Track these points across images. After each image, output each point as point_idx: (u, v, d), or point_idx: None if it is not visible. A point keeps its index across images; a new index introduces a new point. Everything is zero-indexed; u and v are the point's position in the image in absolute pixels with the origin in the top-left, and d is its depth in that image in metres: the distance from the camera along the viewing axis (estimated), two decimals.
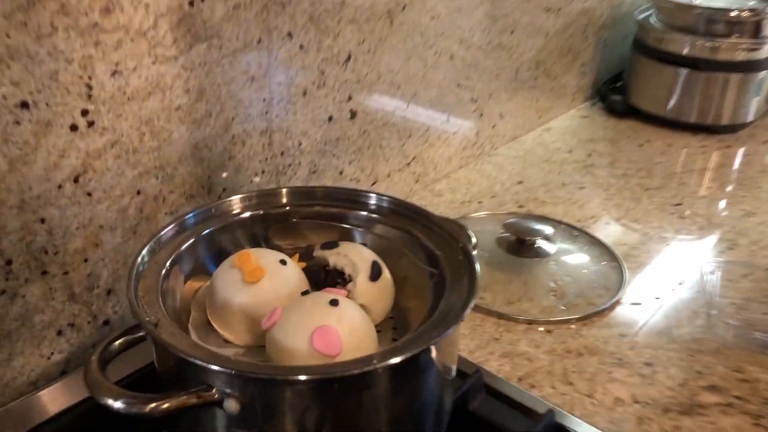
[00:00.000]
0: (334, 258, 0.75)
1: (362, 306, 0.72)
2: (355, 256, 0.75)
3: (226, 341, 0.72)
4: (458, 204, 1.28)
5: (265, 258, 0.72)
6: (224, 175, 0.95)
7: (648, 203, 1.29)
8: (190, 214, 0.76)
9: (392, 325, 0.77)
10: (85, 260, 0.84)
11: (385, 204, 0.81)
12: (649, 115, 1.57)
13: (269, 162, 1.01)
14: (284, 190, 0.82)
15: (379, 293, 0.74)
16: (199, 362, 0.57)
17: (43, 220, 0.78)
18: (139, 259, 0.68)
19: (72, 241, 0.82)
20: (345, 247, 0.77)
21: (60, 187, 0.79)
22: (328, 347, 0.63)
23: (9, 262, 0.77)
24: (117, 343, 0.63)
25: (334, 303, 0.66)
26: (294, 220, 0.81)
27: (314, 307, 0.66)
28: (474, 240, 0.80)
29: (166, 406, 0.58)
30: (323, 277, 0.76)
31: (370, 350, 0.66)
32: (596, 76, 1.70)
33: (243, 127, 0.96)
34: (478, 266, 0.71)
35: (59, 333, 0.85)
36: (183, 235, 0.74)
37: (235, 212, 0.80)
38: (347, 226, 0.81)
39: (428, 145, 1.27)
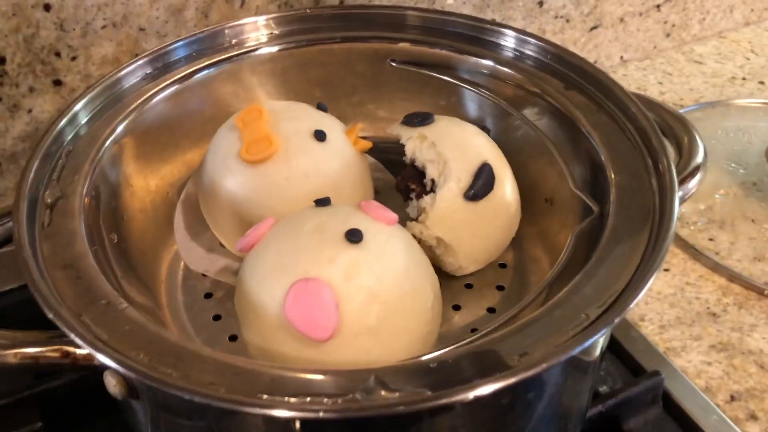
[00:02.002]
0: (414, 144, 0.42)
1: (439, 241, 0.40)
2: (451, 149, 0.41)
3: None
4: (724, 80, 0.83)
5: (290, 123, 0.41)
6: None
7: None
8: (179, 44, 0.47)
9: (497, 280, 0.43)
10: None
11: (533, 53, 0.44)
12: None
13: None
14: (345, 12, 0.48)
15: (479, 224, 0.41)
16: (47, 313, 0.30)
17: (47, 7, 0.54)
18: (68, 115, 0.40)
19: (97, 45, 0.58)
20: (442, 126, 0.43)
21: None
22: (307, 322, 0.33)
23: (1, 60, 0.55)
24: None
25: (353, 237, 0.34)
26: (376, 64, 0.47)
27: (313, 238, 0.34)
28: (700, 156, 0.42)
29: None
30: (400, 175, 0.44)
31: (405, 339, 0.34)
32: None
33: None
34: (676, 214, 0.34)
35: None
36: (163, 77, 0.45)
37: (253, 44, 0.49)
38: (457, 83, 0.46)
39: None
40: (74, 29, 0.57)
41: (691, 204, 0.67)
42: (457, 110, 0.48)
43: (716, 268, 0.62)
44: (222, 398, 0.26)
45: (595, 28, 0.81)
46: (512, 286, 0.43)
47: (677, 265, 0.63)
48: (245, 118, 0.41)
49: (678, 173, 0.40)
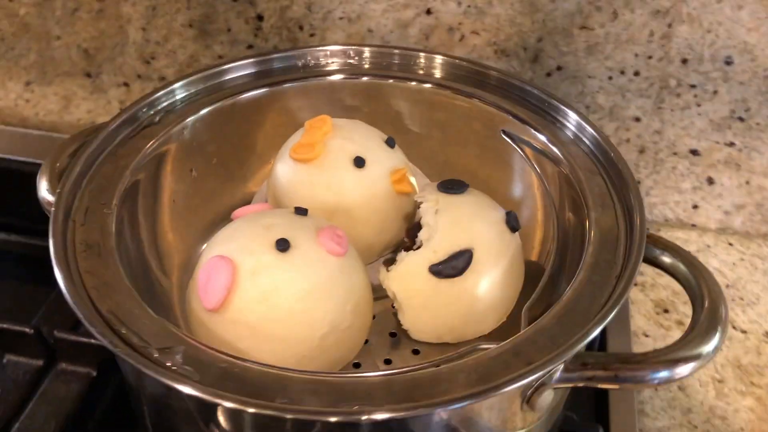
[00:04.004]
0: (427, 206, 0.44)
1: (393, 296, 0.42)
2: (448, 222, 0.42)
3: None
4: None
5: (341, 141, 0.47)
6: (564, 47, 0.64)
7: None
8: (248, 60, 0.53)
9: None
10: None
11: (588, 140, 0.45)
12: None
13: (651, 72, 0.64)
14: (438, 60, 0.51)
15: (434, 299, 0.42)
16: None
17: None
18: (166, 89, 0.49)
19: (332, 31, 0.69)
20: (462, 200, 0.44)
21: None
22: (203, 288, 0.39)
23: (260, 18, 0.69)
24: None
25: (280, 245, 0.39)
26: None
27: (257, 232, 0.40)
28: (709, 347, 0.38)
29: None
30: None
31: (278, 348, 0.39)
32: None
33: None
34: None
35: None
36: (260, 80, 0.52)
37: (330, 68, 0.53)
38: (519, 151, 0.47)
39: None
40: (318, 13, 0.68)
41: None
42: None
43: None
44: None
45: None
46: None
47: None
48: (312, 123, 0.47)
49: (675, 348, 0.37)
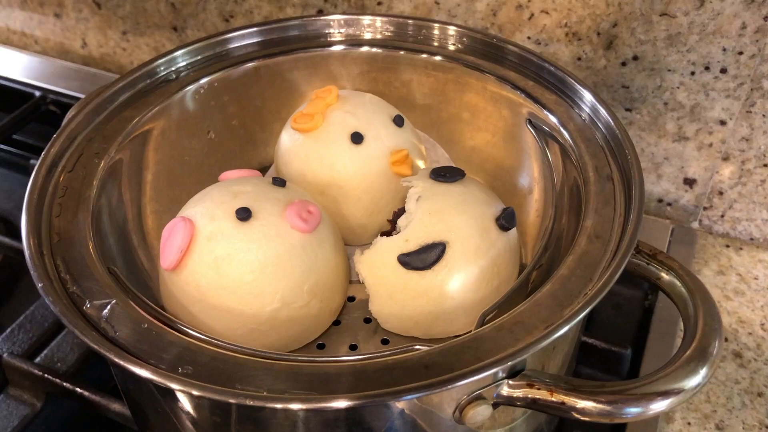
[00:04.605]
0: (412, 192, 0.41)
1: (363, 281, 0.41)
2: (428, 211, 0.39)
3: None
4: None
5: (343, 114, 0.45)
6: (642, 35, 0.58)
7: None
8: (253, 28, 0.50)
9: None
10: None
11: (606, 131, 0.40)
12: None
13: (741, 70, 0.56)
14: (451, 30, 0.46)
15: (400, 290, 0.39)
16: None
17: None
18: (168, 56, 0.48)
19: (399, 0, 0.66)
20: (450, 189, 0.41)
21: None
22: (163, 247, 0.39)
23: None
24: None
25: (240, 214, 0.38)
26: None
27: (224, 198, 0.39)
28: (693, 382, 0.33)
29: None
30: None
31: (224, 317, 0.38)
32: None
33: None
34: None
35: None
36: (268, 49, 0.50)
37: (334, 38, 0.49)
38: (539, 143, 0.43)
39: None
40: None
41: None
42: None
43: None
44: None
45: None
46: None
47: None
48: (318, 93, 0.46)
49: (653, 378, 0.33)
